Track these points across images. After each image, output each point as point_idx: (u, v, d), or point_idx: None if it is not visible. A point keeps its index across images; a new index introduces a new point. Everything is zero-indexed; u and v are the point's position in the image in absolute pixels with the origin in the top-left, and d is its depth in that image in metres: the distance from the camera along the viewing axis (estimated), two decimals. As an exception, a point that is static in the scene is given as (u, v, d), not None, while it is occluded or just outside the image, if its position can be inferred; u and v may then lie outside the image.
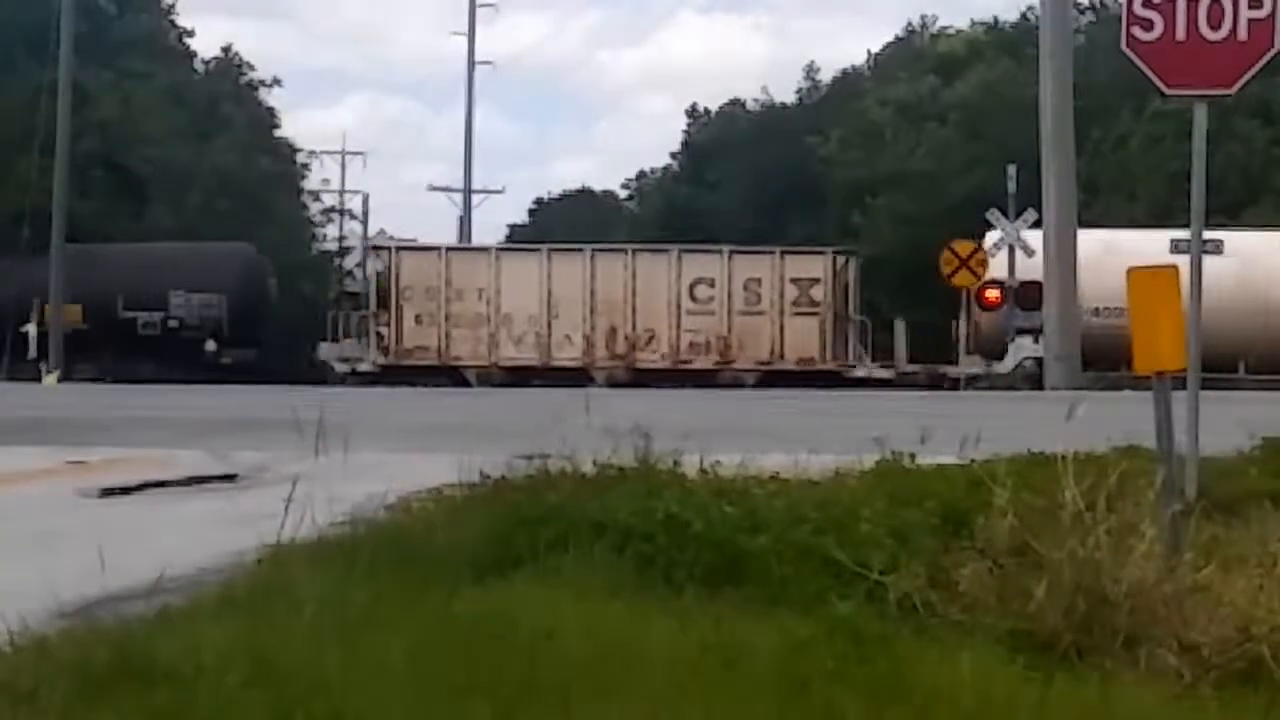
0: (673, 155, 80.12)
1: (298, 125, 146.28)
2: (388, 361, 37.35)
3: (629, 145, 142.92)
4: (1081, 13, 54.65)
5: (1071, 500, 6.33)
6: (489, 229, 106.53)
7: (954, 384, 35.28)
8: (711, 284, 37.42)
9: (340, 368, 37.86)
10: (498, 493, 8.07)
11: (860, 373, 36.25)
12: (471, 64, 66.95)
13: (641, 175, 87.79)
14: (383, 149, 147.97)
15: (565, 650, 5.12)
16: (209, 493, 10.65)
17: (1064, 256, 33.02)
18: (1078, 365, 32.58)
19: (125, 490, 10.49)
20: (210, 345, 40.79)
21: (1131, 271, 7.24)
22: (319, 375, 38.75)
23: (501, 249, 39.84)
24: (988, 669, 5.31)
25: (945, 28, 67.31)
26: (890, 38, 72.15)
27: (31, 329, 40.15)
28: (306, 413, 8.09)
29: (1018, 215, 37.81)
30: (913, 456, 8.51)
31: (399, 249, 40.55)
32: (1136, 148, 48.80)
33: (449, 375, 36.32)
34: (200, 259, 43.20)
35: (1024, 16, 59.92)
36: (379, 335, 37.93)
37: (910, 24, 70.72)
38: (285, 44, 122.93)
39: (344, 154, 75.95)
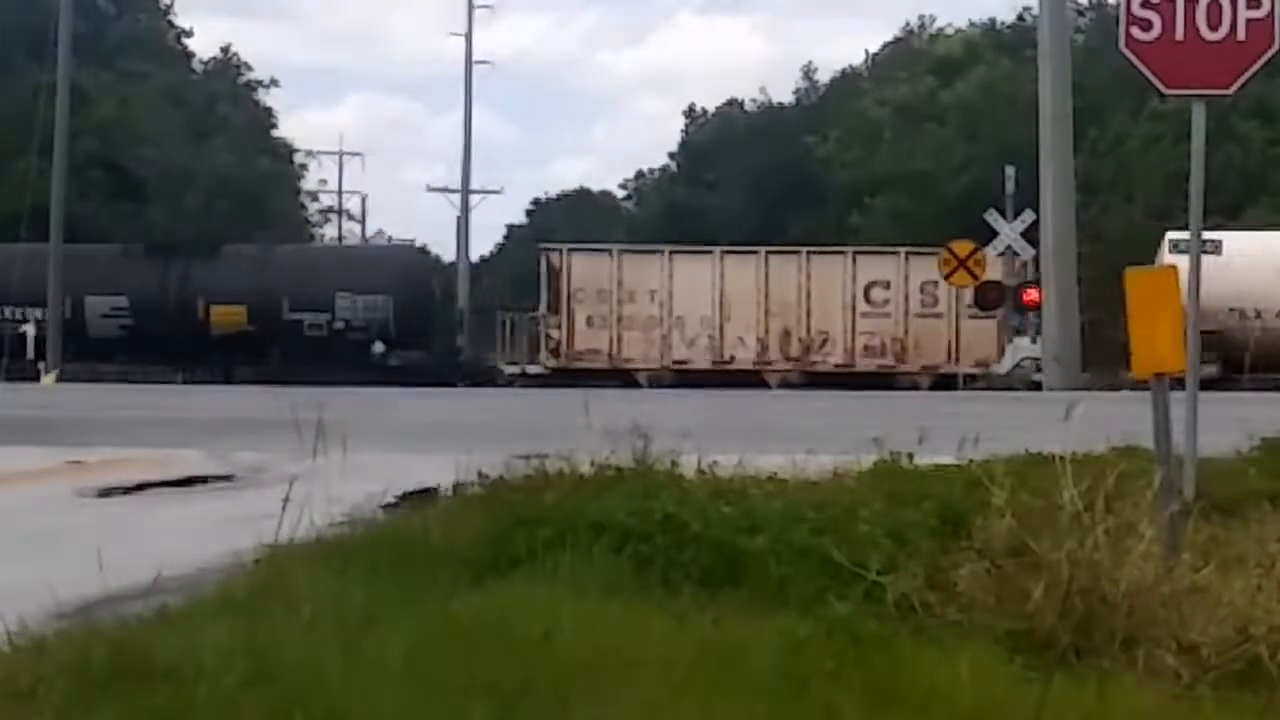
0: (671, 156, 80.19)
1: (296, 125, 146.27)
2: (558, 364, 36.84)
3: (627, 146, 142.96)
4: (1080, 13, 54.71)
5: (1070, 501, 6.32)
6: (487, 229, 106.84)
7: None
8: (887, 286, 36.81)
9: (509, 370, 37.50)
10: (496, 493, 8.07)
11: (1038, 376, 34.84)
12: (470, 64, 66.94)
13: (640, 176, 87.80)
14: (381, 149, 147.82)
15: (563, 650, 5.12)
16: (207, 493, 10.66)
17: (1062, 256, 33.01)
18: (1076, 365, 32.55)
19: (124, 490, 10.51)
20: (378, 347, 39.96)
21: (1130, 272, 7.22)
22: (487, 377, 38.45)
23: (675, 250, 38.70)
24: (986, 669, 5.31)
25: (943, 28, 67.46)
26: (888, 38, 72.28)
27: (30, 329, 40.10)
28: (306, 413, 8.08)
29: (1016, 215, 37.86)
30: (911, 457, 8.51)
31: (570, 250, 39.64)
32: (1135, 148, 48.84)
33: (620, 378, 35.62)
34: (366, 261, 43.27)
35: (1021, 17, 60.06)
36: (549, 337, 37.46)
37: (908, 25, 70.75)
38: (284, 44, 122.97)
39: (342, 154, 76.08)
